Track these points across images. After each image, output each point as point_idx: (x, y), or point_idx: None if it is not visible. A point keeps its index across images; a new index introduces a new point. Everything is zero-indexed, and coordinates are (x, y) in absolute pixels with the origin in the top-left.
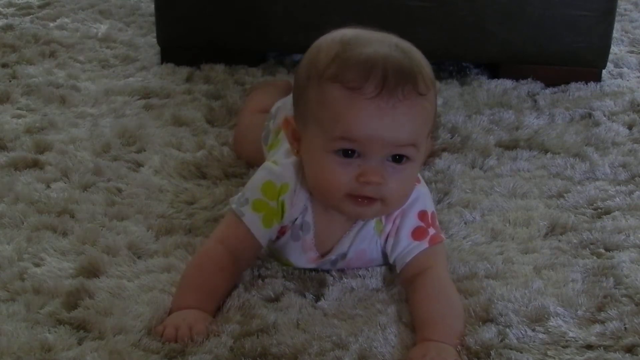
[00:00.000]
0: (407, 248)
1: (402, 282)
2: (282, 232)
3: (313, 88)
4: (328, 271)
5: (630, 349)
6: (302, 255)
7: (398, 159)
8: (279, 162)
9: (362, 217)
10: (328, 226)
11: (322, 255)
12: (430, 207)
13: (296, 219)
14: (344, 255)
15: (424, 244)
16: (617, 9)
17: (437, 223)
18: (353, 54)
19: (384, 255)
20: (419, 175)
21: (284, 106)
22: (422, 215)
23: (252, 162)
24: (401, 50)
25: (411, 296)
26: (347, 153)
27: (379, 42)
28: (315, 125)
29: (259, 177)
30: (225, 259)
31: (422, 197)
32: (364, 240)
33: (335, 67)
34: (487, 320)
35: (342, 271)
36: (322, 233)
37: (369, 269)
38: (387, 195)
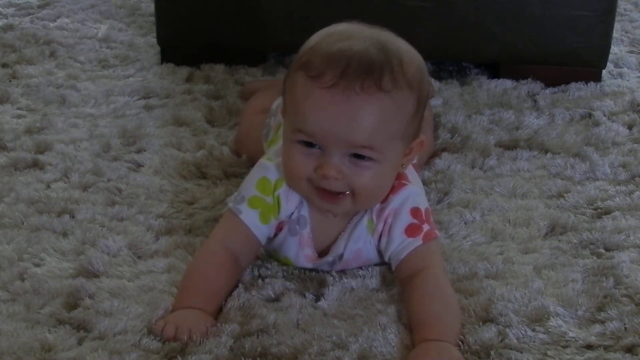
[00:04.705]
0: (401, 245)
1: (398, 281)
2: (279, 228)
3: (289, 76)
4: (328, 271)
5: (630, 349)
6: (300, 252)
7: (361, 156)
8: (272, 159)
9: (333, 212)
10: (324, 222)
11: (320, 256)
12: (423, 204)
13: (292, 214)
14: (340, 257)
15: (418, 241)
16: (617, 9)
17: (432, 219)
18: (326, 46)
19: (380, 253)
20: (409, 174)
21: None
22: (415, 212)
23: (255, 160)
24: (381, 46)
25: (408, 297)
26: (310, 144)
27: (361, 38)
28: (286, 113)
29: (253, 174)
30: (225, 258)
31: (414, 195)
32: (359, 240)
33: (306, 56)
34: (487, 320)
35: (342, 271)
36: (318, 228)
37: (369, 268)
38: (356, 189)
